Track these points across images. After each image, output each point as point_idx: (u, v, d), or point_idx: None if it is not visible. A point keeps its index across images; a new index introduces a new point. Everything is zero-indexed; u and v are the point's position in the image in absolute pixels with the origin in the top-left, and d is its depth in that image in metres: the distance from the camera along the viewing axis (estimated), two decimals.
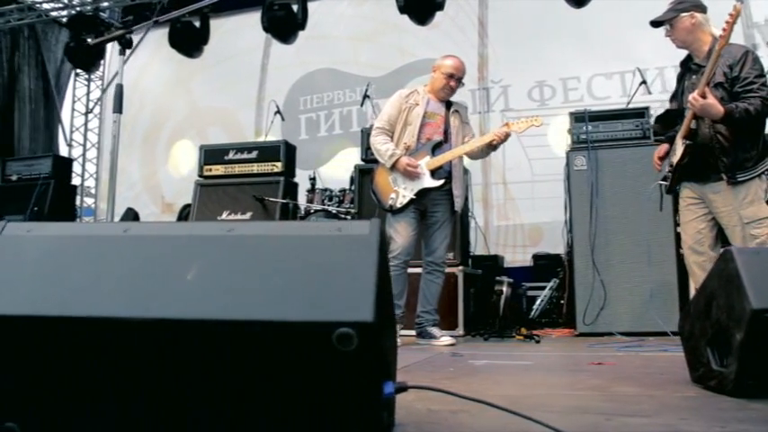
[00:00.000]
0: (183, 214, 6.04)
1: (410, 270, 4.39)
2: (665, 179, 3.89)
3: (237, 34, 9.35)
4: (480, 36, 8.56)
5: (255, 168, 5.85)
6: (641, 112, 5.07)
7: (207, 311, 1.16)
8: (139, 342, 1.19)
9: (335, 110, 9.09)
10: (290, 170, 5.94)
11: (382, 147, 4.32)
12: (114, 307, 1.20)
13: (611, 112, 5.25)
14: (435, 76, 4.45)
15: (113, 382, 1.21)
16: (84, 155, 9.98)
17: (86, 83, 10.14)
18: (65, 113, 9.84)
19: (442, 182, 4.28)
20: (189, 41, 7.63)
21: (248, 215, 5.63)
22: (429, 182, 4.26)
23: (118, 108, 3.08)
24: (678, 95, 3.84)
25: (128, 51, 3.38)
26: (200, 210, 5.82)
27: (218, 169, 5.96)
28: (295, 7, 7.12)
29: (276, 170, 5.83)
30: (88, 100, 10.13)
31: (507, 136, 4.27)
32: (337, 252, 1.22)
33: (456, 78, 4.39)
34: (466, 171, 4.81)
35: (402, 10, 6.91)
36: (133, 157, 9.71)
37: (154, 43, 9.83)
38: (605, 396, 2.09)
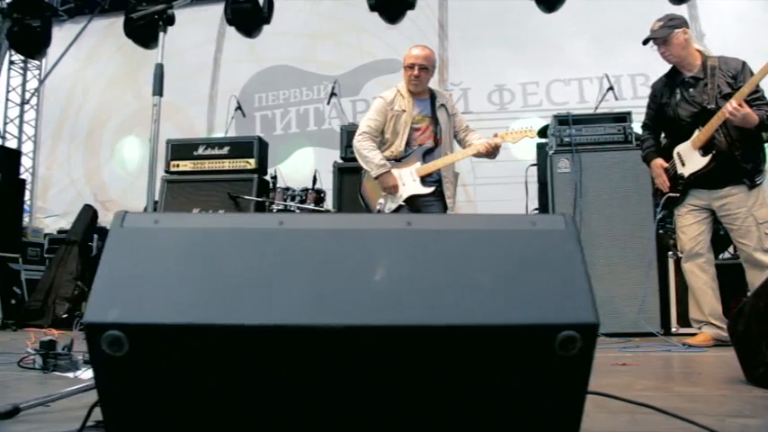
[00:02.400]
0: (150, 212, 5.69)
1: None
2: (673, 191, 3.94)
3: (189, 27, 8.93)
4: (440, 38, 8.56)
5: (227, 165, 5.61)
6: (623, 117, 5.16)
7: (413, 317, 1.03)
8: (329, 352, 1.04)
9: (292, 108, 8.87)
10: (262, 167, 5.73)
11: (369, 154, 4.15)
12: (298, 314, 1.05)
13: (594, 116, 5.33)
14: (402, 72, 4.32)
15: (296, 395, 1.07)
16: (19, 148, 9.30)
17: (22, 72, 9.49)
18: None
19: (432, 189, 4.16)
20: (146, 32, 7.24)
21: (220, 213, 5.36)
22: (419, 188, 4.13)
23: (158, 90, 2.83)
24: (672, 107, 3.89)
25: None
26: (168, 207, 5.53)
27: (187, 165, 5.67)
28: (261, 0, 6.88)
29: (249, 167, 5.61)
30: (24, 90, 9.49)
31: (497, 147, 4.12)
32: (538, 248, 1.12)
33: (419, 67, 4.16)
34: (456, 175, 4.65)
35: (372, 8, 6.80)
36: (76, 152, 9.18)
37: (98, 33, 9.34)
38: (680, 397, 2.07)
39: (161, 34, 2.88)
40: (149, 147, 2.79)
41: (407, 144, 4.18)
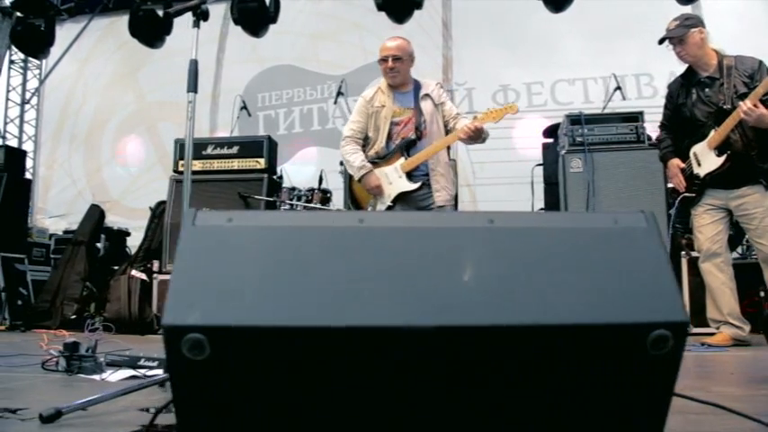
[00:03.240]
0: (158, 212, 5.66)
1: None
2: (689, 192, 3.94)
3: (191, 26, 8.91)
4: (444, 38, 8.55)
5: (237, 164, 5.57)
6: (635, 116, 5.16)
7: (504, 317, 1.01)
8: (419, 353, 1.02)
9: (295, 108, 8.84)
10: (272, 167, 5.70)
11: (351, 157, 4.02)
12: (386, 315, 1.03)
13: (606, 116, 5.33)
14: None
15: (386, 399, 1.04)
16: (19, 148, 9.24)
17: (22, 71, 9.42)
18: None
19: (418, 185, 3.94)
20: (150, 30, 7.20)
21: None
22: (406, 185, 3.94)
23: (193, 86, 2.78)
24: (689, 108, 3.89)
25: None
26: (177, 207, 5.49)
27: (196, 165, 5.62)
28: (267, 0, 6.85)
29: (259, 167, 5.58)
30: (24, 90, 9.41)
31: (478, 130, 3.80)
32: (621, 246, 1.10)
33: (392, 58, 3.95)
34: (451, 164, 4.28)
35: (380, 7, 6.77)
36: (76, 152, 9.12)
37: (98, 32, 9.28)
38: (723, 396, 2.05)
39: (196, 30, 2.84)
40: (186, 144, 2.72)
41: (389, 139, 3.98)
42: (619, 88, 6.57)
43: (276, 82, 8.85)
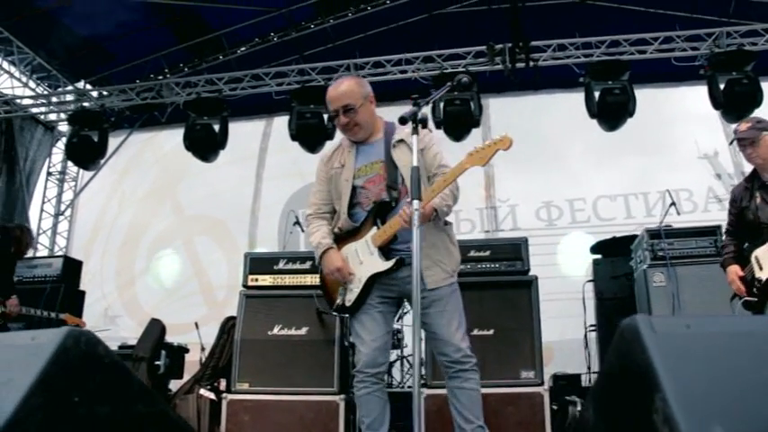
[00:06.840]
0: (227, 327, 5.46)
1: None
2: (750, 296, 3.91)
3: (233, 141, 9.08)
4: None
5: (309, 280, 5.43)
6: (713, 230, 5.22)
7: None
8: None
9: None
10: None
11: (311, 237, 3.15)
12: None
13: (684, 230, 5.37)
14: None
15: None
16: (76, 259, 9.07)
17: (58, 183, 9.43)
18: (32, 214, 9.02)
19: (393, 262, 2.95)
20: (207, 144, 7.29)
21: (304, 330, 5.18)
22: (379, 264, 2.96)
23: (417, 194, 2.67)
24: (752, 211, 3.89)
25: None
26: (248, 323, 5.30)
27: (266, 279, 5.49)
28: (326, 116, 7.01)
29: None
30: (59, 202, 9.39)
31: (425, 217, 2.77)
32: None
33: (342, 110, 3.07)
34: (446, 223, 3.16)
35: (438, 125, 6.94)
36: (108, 265, 8.96)
37: (137, 146, 9.41)
38: None
39: (415, 137, 2.79)
40: (414, 251, 2.63)
41: (353, 207, 3.08)
42: (673, 204, 6.69)
43: None
